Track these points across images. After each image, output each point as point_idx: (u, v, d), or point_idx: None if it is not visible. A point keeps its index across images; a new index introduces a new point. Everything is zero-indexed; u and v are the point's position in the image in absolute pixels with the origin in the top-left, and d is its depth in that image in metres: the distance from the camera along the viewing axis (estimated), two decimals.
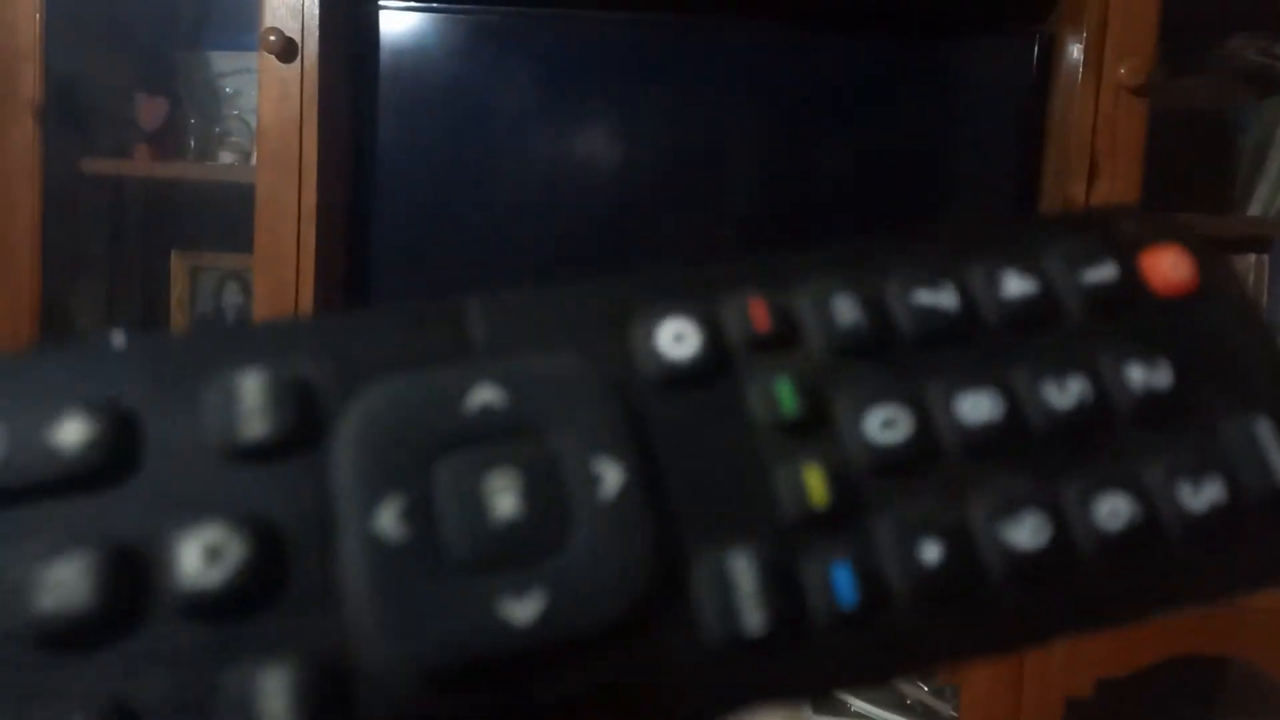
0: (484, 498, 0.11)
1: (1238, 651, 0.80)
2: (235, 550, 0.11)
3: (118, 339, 0.12)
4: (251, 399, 0.11)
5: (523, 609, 0.11)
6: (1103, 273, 0.14)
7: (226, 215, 0.93)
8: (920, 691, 0.91)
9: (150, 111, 0.95)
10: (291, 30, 0.77)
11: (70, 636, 0.10)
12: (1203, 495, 0.12)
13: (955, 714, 0.84)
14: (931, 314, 0.13)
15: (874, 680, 0.12)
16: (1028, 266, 0.13)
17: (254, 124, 0.87)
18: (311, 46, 0.78)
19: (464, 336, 0.13)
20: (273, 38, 0.77)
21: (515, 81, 0.81)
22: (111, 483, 0.11)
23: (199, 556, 0.11)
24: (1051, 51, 0.81)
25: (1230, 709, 0.96)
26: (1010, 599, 0.12)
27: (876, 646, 0.12)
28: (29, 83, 0.89)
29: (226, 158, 0.95)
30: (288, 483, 0.11)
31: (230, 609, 0.11)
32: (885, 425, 0.12)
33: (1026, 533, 0.12)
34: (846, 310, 0.13)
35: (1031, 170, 0.81)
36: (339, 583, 0.11)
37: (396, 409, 0.12)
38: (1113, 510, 0.12)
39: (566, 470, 0.12)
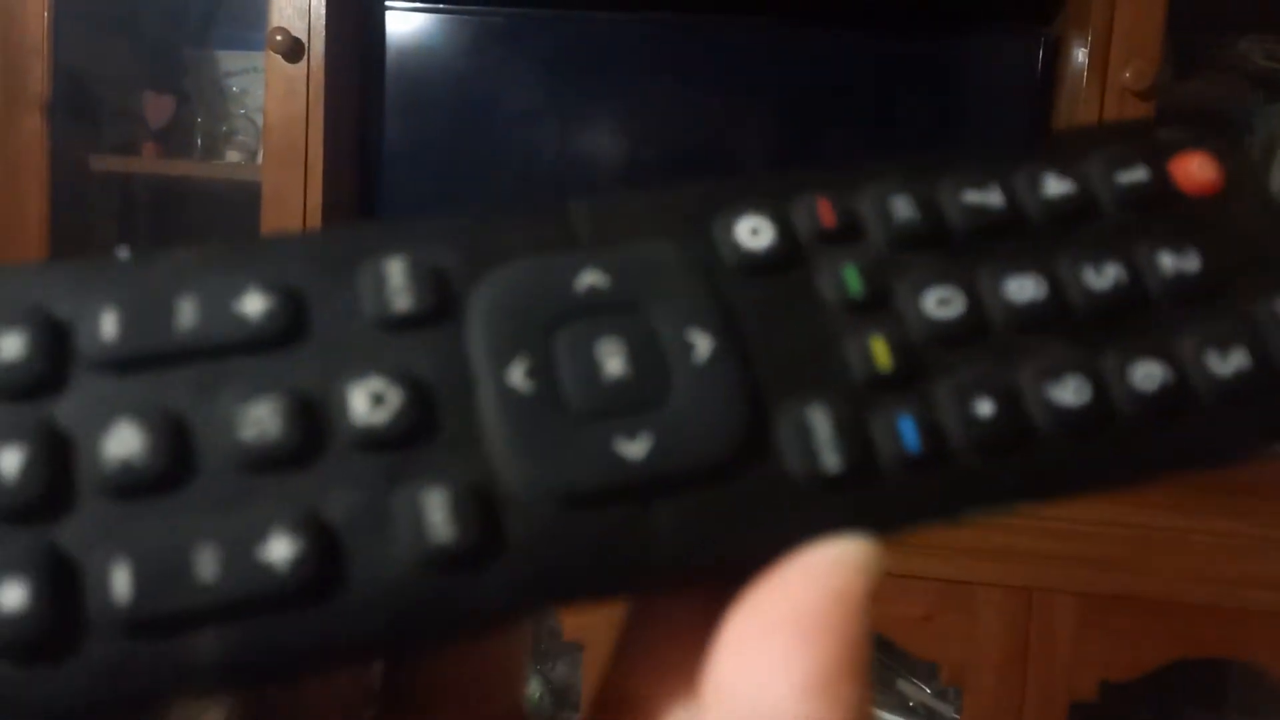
0: (596, 360, 0.13)
1: (1243, 654, 0.79)
2: (395, 396, 0.13)
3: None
4: (398, 279, 0.14)
5: (634, 448, 0.13)
6: (1135, 174, 0.15)
7: (233, 214, 0.93)
8: (923, 694, 0.91)
9: (157, 109, 0.96)
10: (298, 30, 0.78)
11: (267, 462, 0.12)
12: (1230, 363, 0.14)
13: (957, 716, 0.84)
14: (980, 211, 0.15)
15: (939, 519, 0.14)
16: (1067, 170, 0.15)
17: (260, 123, 0.87)
18: (318, 46, 0.78)
19: (570, 230, 0.15)
20: (279, 37, 0.77)
21: (521, 81, 0.81)
22: (286, 345, 0.13)
23: (366, 401, 0.13)
24: (1057, 53, 0.81)
25: (1236, 712, 0.95)
26: (1057, 450, 0.14)
27: (939, 489, 0.13)
28: (37, 79, 0.89)
29: (233, 156, 0.96)
30: (431, 347, 0.13)
31: (394, 443, 0.13)
32: (940, 303, 0.14)
33: (1069, 392, 0.14)
34: (903, 208, 0.15)
35: None
36: (480, 426, 0.13)
37: (518, 289, 0.14)
38: (1147, 374, 0.14)
39: (664, 339, 0.14)
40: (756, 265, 0.14)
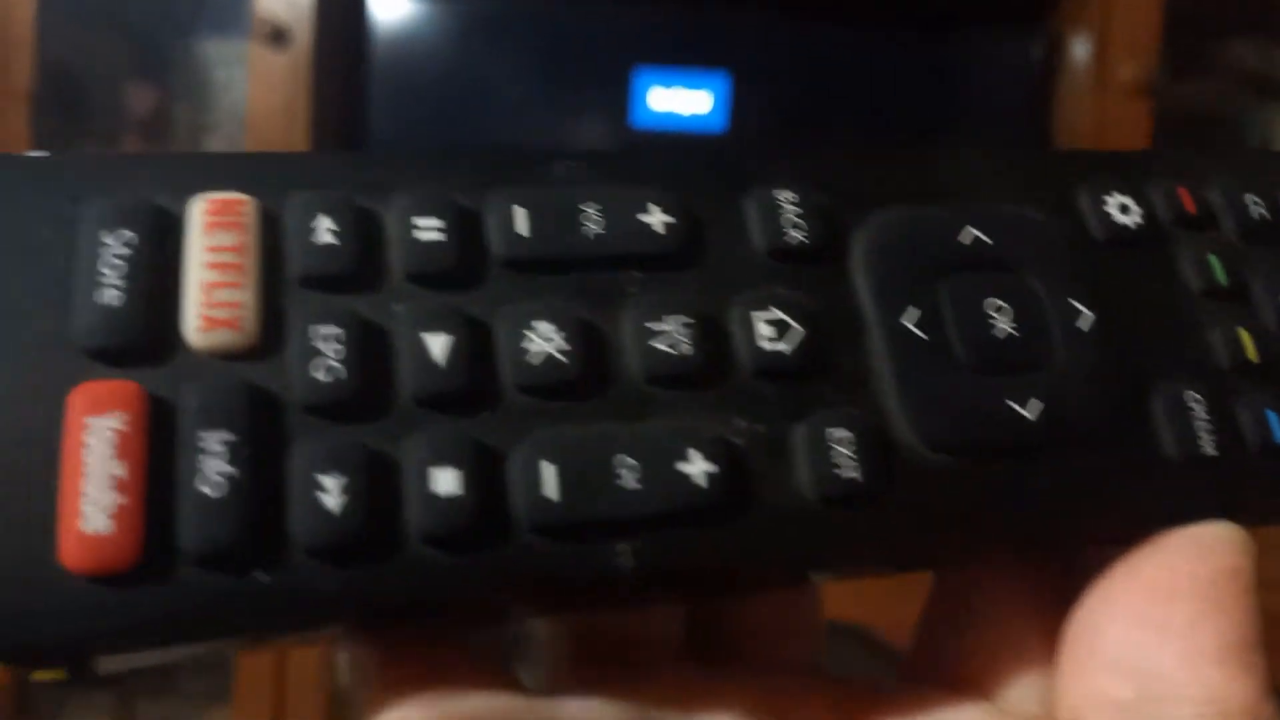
0: (984, 315, 0.14)
1: None
2: (795, 328, 0.13)
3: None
4: (791, 212, 0.14)
5: (1027, 407, 0.13)
6: None
7: None
8: None
9: (140, 99, 0.95)
10: (283, 19, 0.77)
11: (675, 379, 0.13)
12: None
13: None
14: None
15: None
16: None
17: (245, 113, 0.86)
18: (303, 36, 0.77)
19: (939, 182, 0.15)
20: (264, 26, 0.76)
21: (510, 71, 0.81)
22: (685, 264, 0.13)
23: (770, 330, 0.13)
24: (1055, 52, 0.81)
25: None
26: None
27: None
28: (22, 72, 0.88)
29: (216, 147, 0.95)
30: (821, 283, 0.14)
31: (793, 375, 0.13)
32: None
33: None
34: (1254, 204, 0.15)
35: None
36: (870, 367, 0.13)
37: (904, 235, 0.14)
38: None
39: (1045, 304, 0.14)
40: (1124, 241, 0.15)
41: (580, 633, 0.16)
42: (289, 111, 0.78)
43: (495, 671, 0.14)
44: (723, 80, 0.80)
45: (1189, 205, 0.15)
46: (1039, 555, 0.14)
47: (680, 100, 0.79)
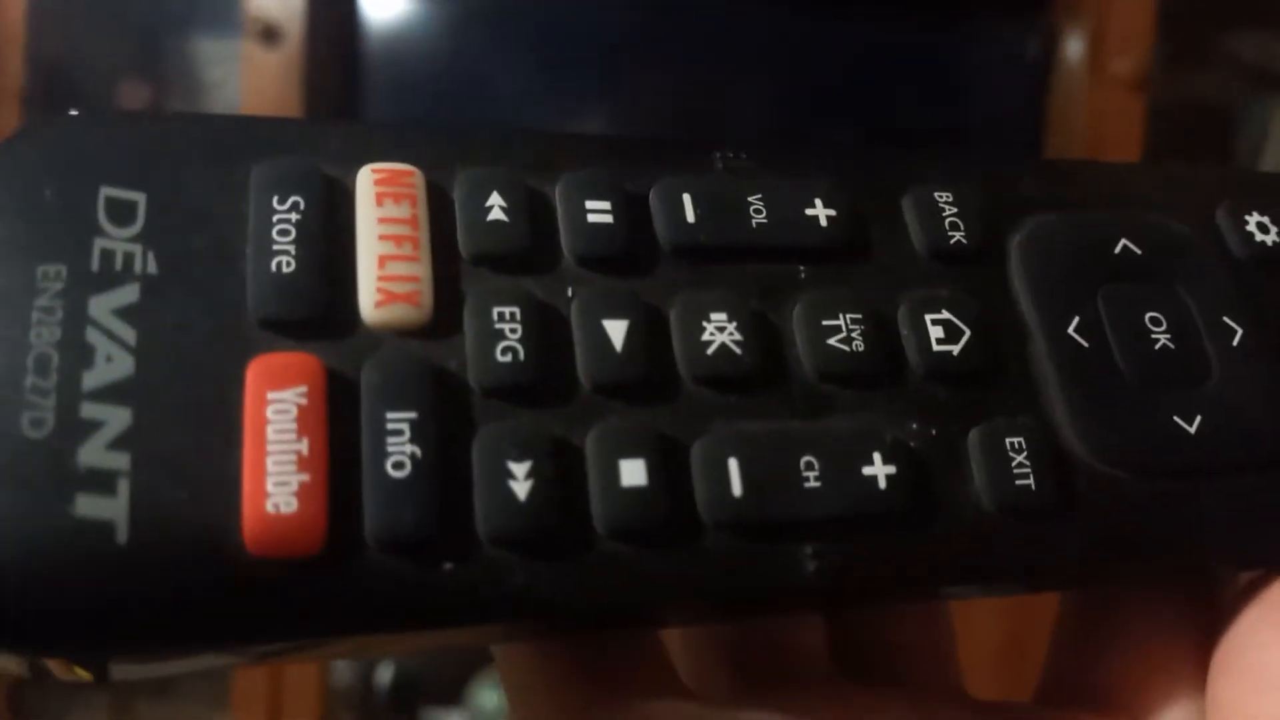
0: (1144, 327, 0.14)
1: None
2: (966, 332, 0.13)
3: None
4: (952, 212, 0.14)
5: (1191, 424, 0.13)
6: None
7: None
8: None
9: (133, 97, 0.94)
10: (275, 17, 0.76)
11: (848, 377, 0.12)
12: None
13: None
14: None
15: None
16: None
17: (237, 111, 0.86)
18: (295, 34, 0.77)
19: (1081, 191, 0.15)
20: (256, 24, 0.76)
21: (506, 67, 0.80)
22: (850, 260, 0.13)
23: (941, 330, 0.13)
24: (1051, 45, 0.81)
25: None
26: None
27: None
28: (14, 70, 0.88)
29: None
30: (983, 286, 0.13)
31: (963, 379, 0.13)
32: None
33: None
34: None
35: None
36: (1035, 374, 0.13)
37: (1061, 240, 0.14)
38: None
39: (1198, 319, 0.14)
40: (1263, 260, 0.15)
41: (735, 641, 0.16)
42: (281, 109, 0.77)
43: (673, 679, 0.14)
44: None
45: None
46: (1202, 577, 0.14)
47: None
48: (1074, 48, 0.77)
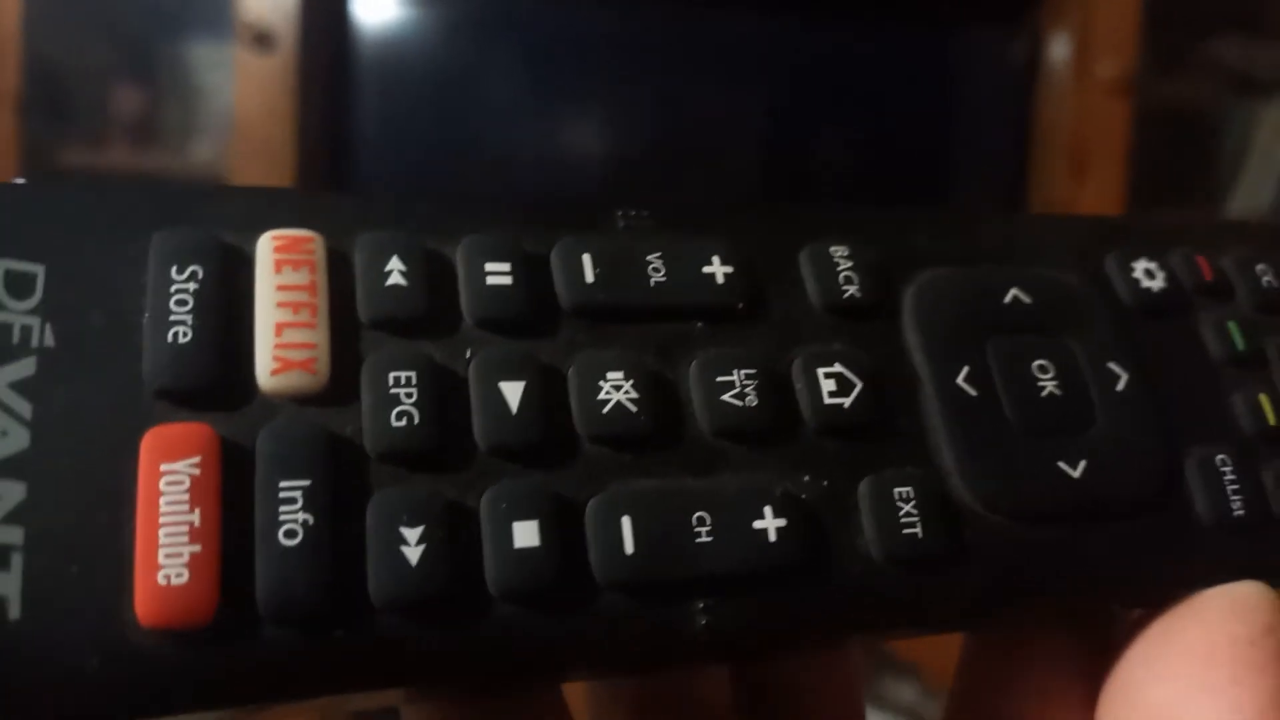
0: (1031, 376, 0.14)
1: None
2: (857, 385, 0.13)
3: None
4: (846, 267, 0.14)
5: (1076, 470, 0.13)
6: None
7: None
8: (911, 695, 0.90)
9: (128, 102, 0.95)
10: (269, 22, 0.77)
11: (742, 433, 0.12)
12: None
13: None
14: None
15: None
16: None
17: (231, 116, 0.86)
18: (289, 39, 0.77)
19: (975, 244, 0.15)
20: (249, 30, 0.76)
21: (500, 72, 0.81)
22: (746, 316, 0.13)
23: (834, 386, 0.13)
24: (1036, 50, 0.81)
25: None
26: None
27: None
28: (9, 73, 0.88)
29: (203, 150, 0.95)
30: (876, 339, 0.14)
31: (854, 431, 0.13)
32: None
33: None
34: (1266, 274, 0.16)
35: (1017, 168, 0.81)
36: (925, 424, 0.13)
37: (951, 293, 0.14)
38: None
39: (1084, 366, 0.14)
40: (1151, 307, 0.15)
41: (637, 693, 0.16)
42: (275, 115, 0.78)
43: None
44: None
45: (1207, 273, 0.16)
46: (1084, 617, 0.15)
47: None
48: (1059, 52, 0.78)
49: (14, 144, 0.87)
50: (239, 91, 0.79)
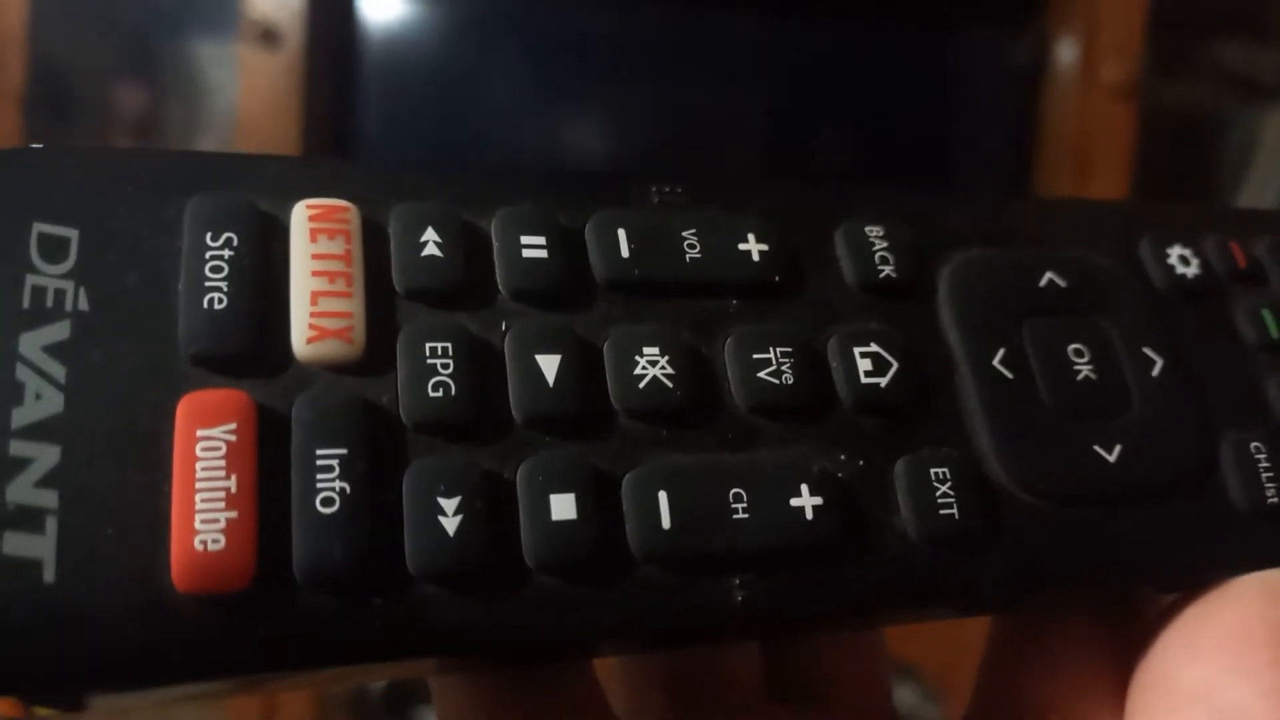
0: (1067, 359, 0.14)
1: None
2: (894, 365, 0.13)
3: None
4: (882, 246, 0.14)
5: (1111, 453, 0.13)
6: None
7: None
8: (912, 696, 0.90)
9: (132, 99, 0.95)
10: (274, 20, 0.77)
11: (779, 410, 0.12)
12: None
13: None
14: None
15: None
16: None
17: (235, 114, 0.86)
18: (294, 36, 0.77)
19: (1014, 227, 0.15)
20: (254, 28, 0.76)
21: (502, 72, 0.81)
22: (782, 294, 0.13)
23: (869, 363, 0.13)
24: (1041, 53, 0.81)
25: None
26: None
27: None
28: (13, 71, 0.88)
29: (208, 147, 0.95)
30: (912, 319, 0.14)
31: (891, 411, 0.13)
32: None
33: None
34: None
35: (1021, 171, 0.81)
36: (961, 405, 0.13)
37: (987, 275, 0.14)
38: None
39: (1120, 350, 0.14)
40: (1185, 292, 0.15)
41: (669, 670, 0.16)
42: (280, 113, 0.78)
43: (605, 709, 0.14)
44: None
45: (1240, 260, 0.16)
46: (1124, 601, 0.15)
47: None
48: (1065, 55, 0.78)
49: (18, 141, 0.87)
50: (243, 89, 0.79)
